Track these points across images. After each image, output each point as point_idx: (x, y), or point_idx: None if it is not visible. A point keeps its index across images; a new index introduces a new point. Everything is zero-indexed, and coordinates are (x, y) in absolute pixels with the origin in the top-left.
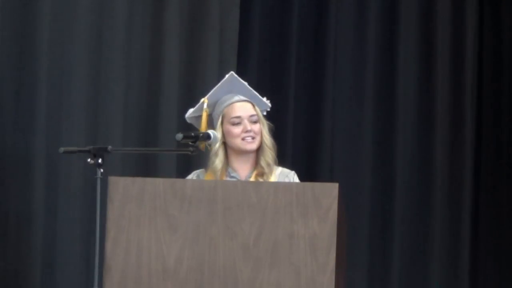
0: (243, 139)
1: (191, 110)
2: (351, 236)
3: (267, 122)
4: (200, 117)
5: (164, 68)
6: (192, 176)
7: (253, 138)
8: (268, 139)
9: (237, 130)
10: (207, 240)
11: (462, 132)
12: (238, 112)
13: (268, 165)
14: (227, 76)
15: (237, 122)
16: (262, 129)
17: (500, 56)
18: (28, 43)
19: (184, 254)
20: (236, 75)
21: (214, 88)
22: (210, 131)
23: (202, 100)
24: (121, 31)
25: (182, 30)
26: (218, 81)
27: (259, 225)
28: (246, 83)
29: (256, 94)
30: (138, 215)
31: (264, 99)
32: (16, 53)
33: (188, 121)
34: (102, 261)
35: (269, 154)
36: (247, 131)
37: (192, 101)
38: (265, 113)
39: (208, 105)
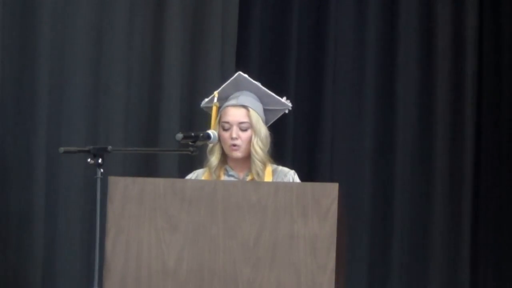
0: (230, 146)
1: (205, 100)
2: (351, 236)
3: (269, 131)
4: (211, 107)
5: (165, 68)
6: (192, 175)
7: (238, 145)
8: (257, 151)
9: (225, 135)
10: (207, 240)
11: (462, 132)
12: (228, 118)
13: (258, 175)
14: (234, 75)
15: (227, 127)
16: (253, 138)
17: (500, 56)
18: (29, 43)
19: (184, 254)
20: (244, 75)
21: (224, 85)
22: (210, 131)
23: (214, 93)
24: (122, 31)
25: (182, 30)
26: (219, 81)
27: (259, 225)
28: (257, 83)
29: (269, 93)
30: (138, 215)
31: (284, 98)
32: (17, 53)
33: (204, 109)
34: (102, 261)
35: (259, 165)
36: (232, 138)
37: (193, 101)
38: (287, 111)
39: (218, 99)
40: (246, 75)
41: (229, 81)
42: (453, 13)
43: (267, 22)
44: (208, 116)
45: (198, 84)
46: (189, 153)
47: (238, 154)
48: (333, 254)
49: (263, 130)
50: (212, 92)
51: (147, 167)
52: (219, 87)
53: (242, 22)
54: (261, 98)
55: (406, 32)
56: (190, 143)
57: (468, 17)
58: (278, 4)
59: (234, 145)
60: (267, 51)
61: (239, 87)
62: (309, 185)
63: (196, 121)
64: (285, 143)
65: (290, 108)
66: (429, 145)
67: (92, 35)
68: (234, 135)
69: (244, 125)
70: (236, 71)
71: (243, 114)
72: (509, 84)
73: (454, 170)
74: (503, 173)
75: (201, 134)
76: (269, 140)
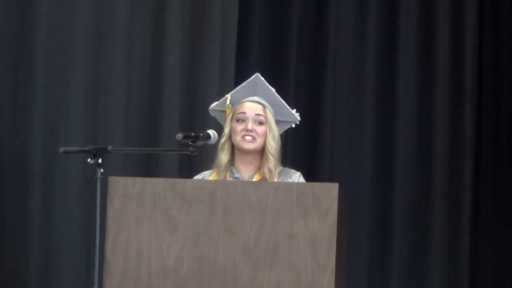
0: (243, 137)
1: (214, 103)
2: (351, 236)
3: (281, 132)
4: (222, 112)
5: (165, 68)
6: (198, 177)
7: (253, 138)
8: (272, 146)
9: (239, 127)
10: (207, 240)
11: (462, 132)
12: (244, 109)
13: (270, 171)
14: (252, 77)
15: (242, 118)
16: (268, 133)
17: (500, 56)
18: (26, 43)
19: (184, 254)
20: (261, 78)
21: (238, 87)
22: (210, 131)
23: (226, 96)
24: (121, 32)
25: (182, 30)
26: (219, 81)
27: (259, 225)
28: (272, 89)
29: (282, 103)
30: (138, 215)
31: (294, 111)
32: (14, 53)
33: (212, 114)
34: (102, 261)
35: (272, 161)
36: (247, 130)
37: (193, 100)
38: (293, 126)
39: (230, 102)
40: (263, 79)
41: (245, 82)
42: (453, 13)
43: (267, 22)
44: (208, 119)
45: (198, 84)
46: (189, 153)
47: (250, 146)
48: (333, 254)
49: (276, 131)
50: (212, 93)
51: (147, 167)
52: (220, 87)
53: (242, 22)
54: (273, 106)
55: (406, 32)
56: (190, 143)
57: (468, 17)
58: (278, 4)
59: (248, 136)
60: (267, 51)
61: (255, 91)
62: (309, 185)
63: (196, 121)
64: (285, 143)
65: (298, 122)
66: (429, 145)
67: (91, 34)
68: (249, 127)
69: (260, 118)
70: (236, 71)
71: (260, 108)
72: (509, 84)
73: (454, 170)
74: (503, 173)
75: (201, 134)
76: (280, 142)
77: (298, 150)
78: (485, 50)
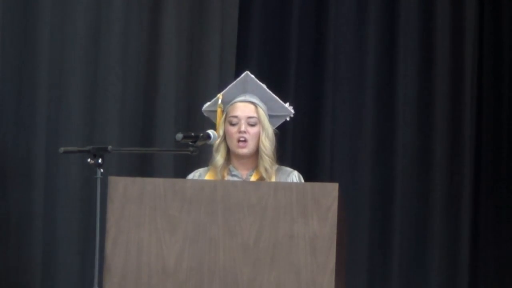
0: (237, 141)
1: (207, 104)
2: (351, 236)
3: (275, 129)
4: (215, 112)
5: (163, 69)
6: (194, 174)
7: (245, 141)
8: (266, 146)
9: (232, 130)
10: (207, 240)
11: (462, 132)
12: (236, 112)
13: (266, 171)
14: (242, 75)
15: (235, 122)
16: (261, 133)
17: (500, 56)
18: (28, 45)
19: (184, 254)
20: (251, 75)
21: (229, 86)
22: (210, 131)
23: (218, 95)
24: (120, 32)
25: (181, 30)
26: (218, 81)
27: (259, 225)
28: (263, 85)
29: (274, 98)
30: (138, 215)
31: (287, 104)
32: (17, 54)
33: (205, 114)
34: (102, 261)
35: (268, 161)
36: (240, 132)
37: (191, 101)
38: (288, 119)
39: (222, 101)
40: (253, 76)
41: (235, 81)
42: (453, 13)
43: (267, 22)
44: (206, 120)
45: (196, 85)
46: (189, 153)
47: (245, 150)
48: (333, 254)
49: (270, 129)
50: (212, 93)
51: (142, 167)
52: (219, 87)
53: (242, 22)
54: (266, 102)
55: (406, 32)
56: (190, 143)
57: (468, 17)
58: (278, 4)
59: (242, 140)
60: (267, 52)
61: (245, 88)
62: (309, 185)
63: (194, 121)
64: (285, 143)
65: (292, 115)
66: (429, 145)
67: (89, 36)
68: (242, 129)
69: (252, 120)
70: (236, 72)
71: (251, 109)
72: (509, 84)
73: (454, 171)
74: (503, 173)
75: (201, 134)
76: (275, 140)
77: (298, 150)
78: (485, 49)
